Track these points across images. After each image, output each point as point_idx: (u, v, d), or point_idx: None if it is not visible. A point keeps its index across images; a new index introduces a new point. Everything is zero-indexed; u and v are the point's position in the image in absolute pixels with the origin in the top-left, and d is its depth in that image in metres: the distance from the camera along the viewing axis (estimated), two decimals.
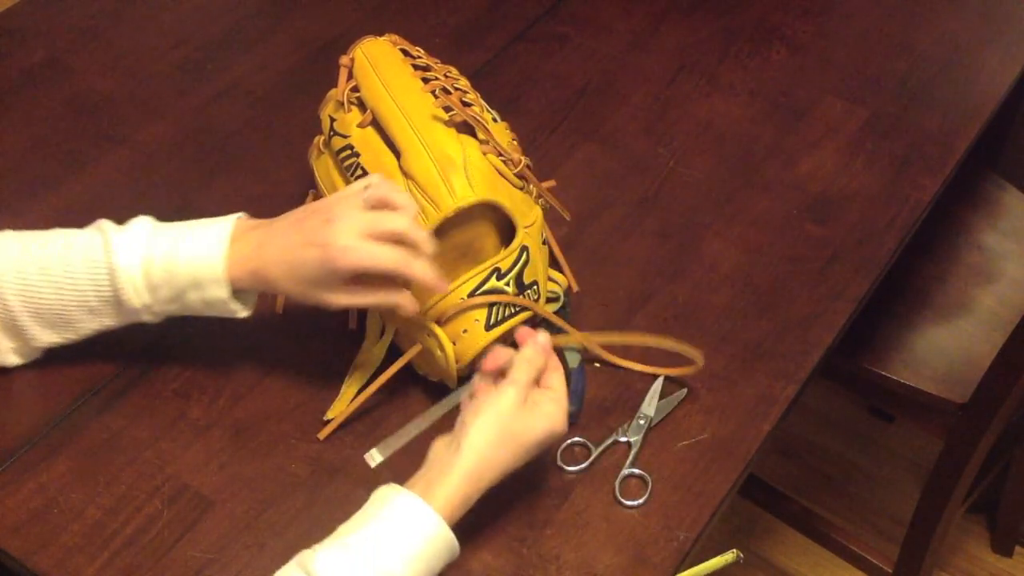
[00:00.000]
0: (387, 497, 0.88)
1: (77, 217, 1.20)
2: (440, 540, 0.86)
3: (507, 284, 1.02)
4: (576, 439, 1.03)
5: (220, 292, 0.97)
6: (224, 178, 1.26)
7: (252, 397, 1.06)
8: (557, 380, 0.95)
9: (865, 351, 1.51)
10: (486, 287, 1.01)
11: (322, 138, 1.12)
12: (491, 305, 1.02)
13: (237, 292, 0.99)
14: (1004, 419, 1.42)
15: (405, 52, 1.13)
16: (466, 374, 1.04)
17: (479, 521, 0.97)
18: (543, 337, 0.96)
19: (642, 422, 1.04)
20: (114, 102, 1.35)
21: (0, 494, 0.98)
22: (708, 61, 1.43)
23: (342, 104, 1.09)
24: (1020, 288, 1.59)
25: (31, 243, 1.01)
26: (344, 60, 1.12)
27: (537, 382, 0.95)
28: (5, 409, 1.03)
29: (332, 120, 1.10)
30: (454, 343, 1.01)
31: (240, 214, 1.00)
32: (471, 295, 1.01)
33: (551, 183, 1.14)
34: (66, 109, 1.34)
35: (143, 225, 1.00)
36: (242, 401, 1.05)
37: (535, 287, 1.04)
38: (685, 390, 1.07)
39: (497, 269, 1.02)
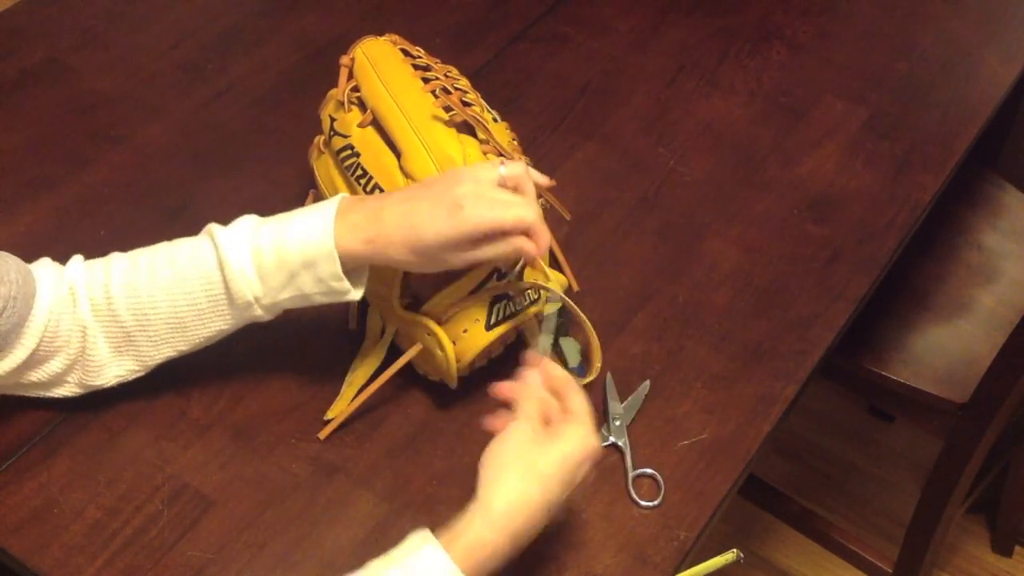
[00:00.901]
0: (414, 545, 0.84)
1: (77, 217, 1.21)
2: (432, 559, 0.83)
3: (507, 284, 1.02)
4: None
5: (332, 266, 0.94)
6: (224, 178, 1.26)
7: (252, 397, 1.06)
8: (577, 402, 0.92)
9: (865, 351, 1.51)
10: (487, 287, 1.01)
11: (322, 138, 1.12)
12: (492, 305, 1.01)
13: (347, 270, 0.95)
14: (1004, 419, 1.42)
15: (405, 52, 1.13)
16: (466, 374, 1.04)
17: None
18: (554, 369, 0.93)
19: (618, 423, 1.04)
20: (114, 102, 1.35)
21: (0, 494, 0.98)
22: (708, 61, 1.43)
23: (342, 104, 1.09)
24: (1020, 288, 1.59)
25: (139, 256, 0.99)
26: (344, 60, 1.12)
27: (562, 409, 0.92)
28: (5, 409, 1.03)
29: (332, 120, 1.10)
30: (454, 343, 1.01)
31: (343, 194, 0.98)
32: (472, 293, 1.01)
33: (551, 183, 1.14)
34: (66, 109, 1.34)
35: (248, 219, 0.98)
36: (242, 401, 1.05)
37: (536, 291, 1.04)
38: (647, 382, 1.07)
39: (497, 269, 1.02)
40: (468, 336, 1.01)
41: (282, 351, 1.09)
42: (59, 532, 0.96)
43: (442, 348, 1.01)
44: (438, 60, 1.15)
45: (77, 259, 1.01)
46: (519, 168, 0.96)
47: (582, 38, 1.46)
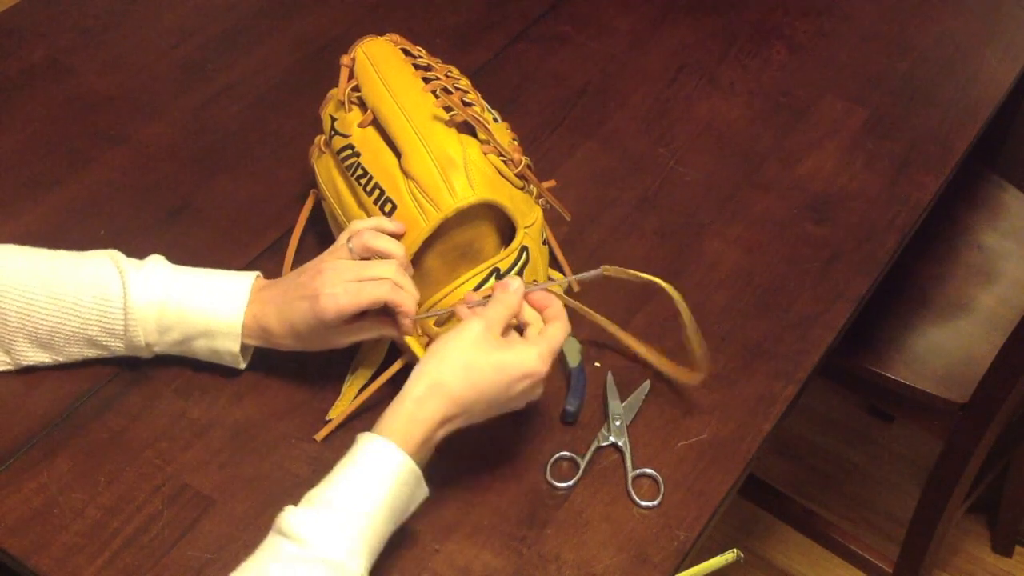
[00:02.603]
0: (354, 445, 0.89)
1: (77, 217, 1.21)
2: (390, 458, 0.87)
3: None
4: (563, 454, 1.03)
5: (231, 345, 1.01)
6: (224, 178, 1.26)
7: (252, 397, 1.06)
8: (552, 330, 0.95)
9: (865, 351, 1.51)
10: (484, 288, 1.01)
11: (323, 138, 1.12)
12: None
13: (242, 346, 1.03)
14: (1004, 419, 1.42)
15: (406, 52, 1.13)
16: None
17: (479, 521, 0.97)
18: (516, 283, 0.96)
19: (618, 423, 1.04)
20: (114, 102, 1.35)
21: (0, 494, 0.98)
22: (708, 61, 1.43)
23: (343, 104, 1.09)
24: (1020, 288, 1.59)
25: (40, 263, 1.01)
26: (345, 59, 1.12)
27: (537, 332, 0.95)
28: (5, 409, 1.03)
29: (333, 119, 1.10)
30: None
31: (257, 273, 1.03)
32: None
33: (551, 183, 1.14)
34: (66, 109, 1.34)
35: (160, 266, 1.02)
36: (242, 401, 1.05)
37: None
38: (647, 382, 1.07)
39: (496, 270, 1.02)
40: None
41: (282, 351, 1.09)
42: (59, 532, 0.96)
43: None
44: (439, 60, 1.15)
45: None
46: (365, 237, 0.98)
47: (582, 38, 1.46)
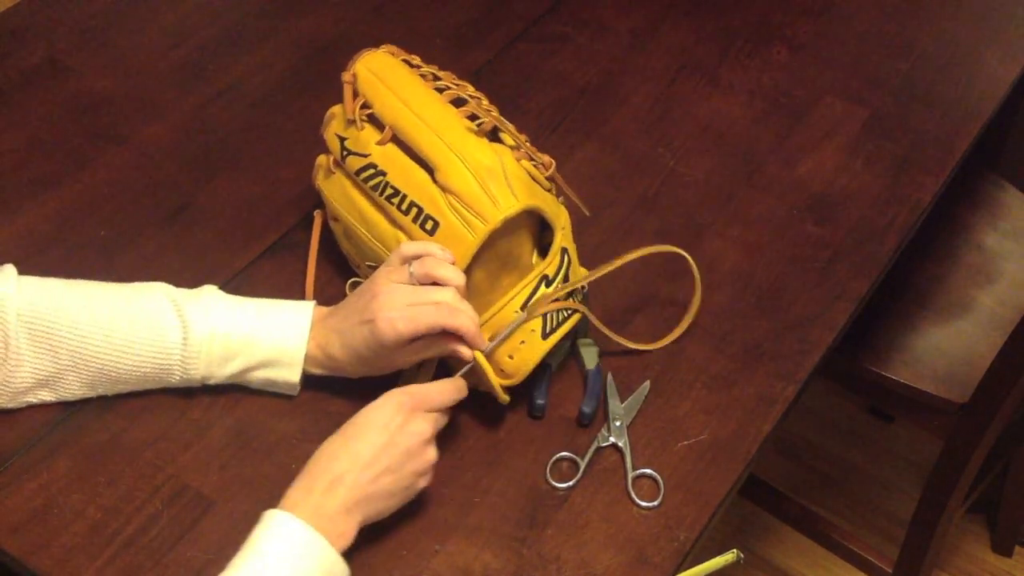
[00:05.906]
0: (263, 525, 0.90)
1: (77, 217, 1.21)
2: (280, 524, 0.88)
3: (557, 289, 1.02)
4: (563, 454, 1.03)
5: (291, 375, 1.01)
6: (224, 178, 1.26)
7: (252, 397, 1.05)
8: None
9: (865, 351, 1.51)
10: (537, 296, 1.01)
11: (331, 158, 1.10)
12: (544, 313, 1.01)
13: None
14: (1004, 419, 1.42)
15: (406, 62, 1.11)
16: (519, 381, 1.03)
17: (479, 521, 0.97)
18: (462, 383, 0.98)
19: (618, 423, 1.04)
20: (114, 102, 1.35)
21: (0, 494, 0.98)
22: (708, 61, 1.43)
23: (353, 122, 1.06)
24: (1020, 288, 1.59)
25: (95, 301, 0.99)
26: (346, 76, 1.09)
27: None
28: (5, 409, 1.03)
29: (342, 139, 1.08)
30: (511, 356, 1.00)
31: (314, 302, 1.03)
32: (523, 307, 1.01)
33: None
34: (66, 109, 1.34)
35: (217, 296, 1.01)
36: (242, 401, 1.05)
37: (583, 287, 1.04)
38: (647, 382, 1.07)
39: (545, 276, 1.01)
40: (526, 347, 1.00)
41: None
42: (59, 532, 0.96)
43: (486, 372, 1.00)
44: (436, 67, 1.13)
45: (10, 274, 0.99)
46: (428, 263, 0.97)
47: (582, 38, 1.46)
